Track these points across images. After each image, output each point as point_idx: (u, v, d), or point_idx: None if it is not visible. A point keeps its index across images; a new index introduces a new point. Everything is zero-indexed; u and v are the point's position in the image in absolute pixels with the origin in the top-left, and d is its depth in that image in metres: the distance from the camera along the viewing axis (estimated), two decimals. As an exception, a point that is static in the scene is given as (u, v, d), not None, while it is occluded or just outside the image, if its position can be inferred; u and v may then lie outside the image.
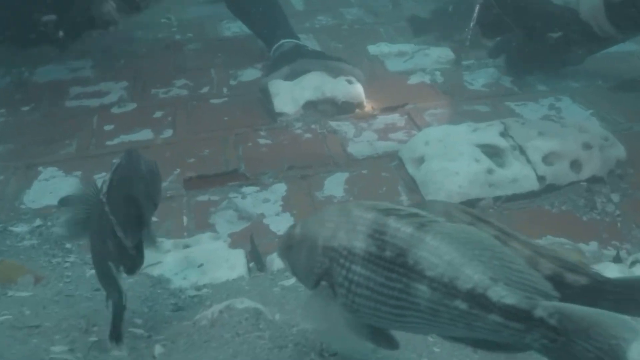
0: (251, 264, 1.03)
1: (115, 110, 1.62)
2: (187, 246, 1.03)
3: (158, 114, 1.59)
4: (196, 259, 0.98)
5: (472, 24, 1.33)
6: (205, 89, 1.71)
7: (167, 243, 1.04)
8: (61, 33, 1.73)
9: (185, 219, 1.19)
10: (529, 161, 1.22)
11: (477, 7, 1.30)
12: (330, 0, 2.35)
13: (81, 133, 1.52)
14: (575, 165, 1.22)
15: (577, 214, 1.17)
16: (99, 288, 0.94)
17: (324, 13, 2.24)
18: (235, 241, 1.12)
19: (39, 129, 1.55)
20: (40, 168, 1.39)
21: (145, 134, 1.50)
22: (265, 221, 1.17)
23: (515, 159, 1.23)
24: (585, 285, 0.60)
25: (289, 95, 1.53)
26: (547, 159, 1.23)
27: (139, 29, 2.17)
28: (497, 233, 0.64)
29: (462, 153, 1.22)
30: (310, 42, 1.98)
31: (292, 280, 0.97)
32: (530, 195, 1.20)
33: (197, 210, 1.22)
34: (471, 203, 1.17)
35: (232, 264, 0.96)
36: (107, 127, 1.54)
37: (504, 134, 1.28)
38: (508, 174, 1.20)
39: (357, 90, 1.55)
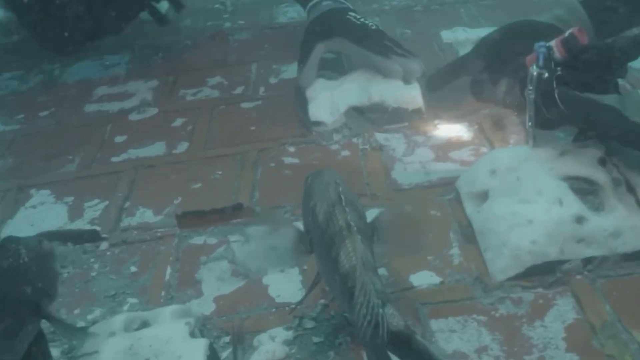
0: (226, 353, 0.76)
1: (133, 116, 1.40)
2: (143, 324, 0.77)
3: (178, 122, 1.34)
4: (143, 349, 0.71)
5: (529, 123, 0.96)
6: (239, 89, 1.44)
7: (118, 318, 0.78)
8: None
9: (168, 270, 0.94)
10: (639, 204, 0.85)
11: (533, 107, 0.94)
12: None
13: (88, 145, 1.30)
14: None
15: None
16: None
17: (398, -9, 1.89)
18: (220, 309, 0.85)
19: (47, 140, 1.36)
20: (32, 190, 1.19)
21: (157, 149, 1.26)
22: (265, 280, 0.89)
23: (619, 200, 0.86)
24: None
25: (329, 99, 1.23)
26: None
27: (188, 17, 1.93)
28: (343, 225, 0.67)
29: (540, 191, 0.87)
30: (374, 28, 1.66)
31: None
32: (639, 257, 0.83)
33: (185, 258, 0.96)
34: (550, 267, 0.83)
35: (184, 365, 0.69)
36: (119, 139, 1.32)
37: (604, 162, 0.90)
38: (607, 224, 0.83)
39: (414, 93, 1.21)
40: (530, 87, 0.91)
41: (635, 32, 0.93)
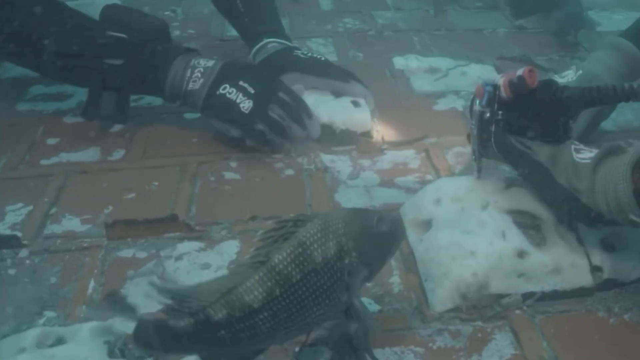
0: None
1: (68, 119, 1.33)
2: (58, 341, 0.71)
3: (116, 128, 1.28)
4: (55, 368, 0.66)
5: (473, 157, 0.94)
6: (184, 100, 1.39)
7: (31, 333, 0.72)
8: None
9: (92, 283, 0.88)
10: (580, 242, 0.85)
11: (477, 141, 0.91)
12: (363, 1, 2.00)
13: (17, 146, 1.23)
14: (650, 253, 0.85)
15: (647, 328, 0.79)
16: None
17: (353, 15, 1.89)
18: (144, 328, 0.80)
19: (-28, 139, 1.27)
20: (-48, 193, 1.10)
21: (91, 154, 1.19)
22: (195, 299, 0.84)
23: (560, 237, 0.86)
24: None
25: (276, 116, 1.20)
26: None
27: (136, 22, 1.87)
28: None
29: (484, 223, 0.86)
30: (327, 49, 1.65)
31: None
32: (578, 293, 0.83)
33: (111, 271, 0.90)
34: (489, 300, 0.81)
35: (98, 388, 0.63)
36: (51, 141, 1.24)
37: (548, 197, 0.90)
38: (547, 260, 0.83)
39: (363, 115, 1.20)
40: (473, 122, 0.90)
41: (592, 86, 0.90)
